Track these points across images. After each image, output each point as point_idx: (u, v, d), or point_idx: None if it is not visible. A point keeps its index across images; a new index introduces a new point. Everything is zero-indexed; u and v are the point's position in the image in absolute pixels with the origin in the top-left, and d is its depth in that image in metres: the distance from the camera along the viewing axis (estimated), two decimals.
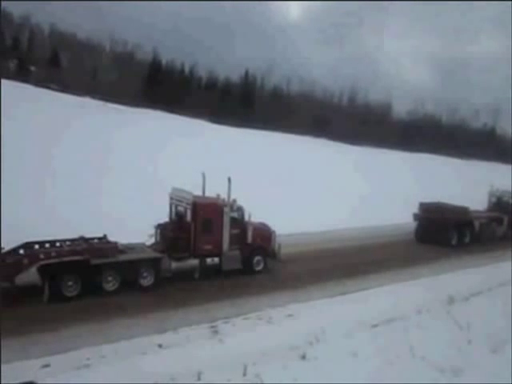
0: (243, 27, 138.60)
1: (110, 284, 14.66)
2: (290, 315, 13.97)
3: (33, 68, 77.17)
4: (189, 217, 16.59)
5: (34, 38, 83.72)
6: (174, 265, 16.11)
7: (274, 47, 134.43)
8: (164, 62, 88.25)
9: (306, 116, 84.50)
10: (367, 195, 35.16)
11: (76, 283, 14.03)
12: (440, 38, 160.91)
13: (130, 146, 37.10)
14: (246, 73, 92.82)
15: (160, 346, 11.43)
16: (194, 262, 16.54)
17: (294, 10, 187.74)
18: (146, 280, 15.36)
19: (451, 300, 15.42)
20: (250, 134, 62.43)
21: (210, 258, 16.90)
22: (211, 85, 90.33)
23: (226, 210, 16.97)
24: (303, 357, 10.80)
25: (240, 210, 17.67)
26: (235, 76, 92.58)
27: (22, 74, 69.06)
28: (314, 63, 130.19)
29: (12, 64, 74.76)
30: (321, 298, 15.59)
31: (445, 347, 11.49)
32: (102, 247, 15.02)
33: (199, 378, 9.62)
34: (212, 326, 12.85)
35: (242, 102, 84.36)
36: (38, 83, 65.17)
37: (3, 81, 57.71)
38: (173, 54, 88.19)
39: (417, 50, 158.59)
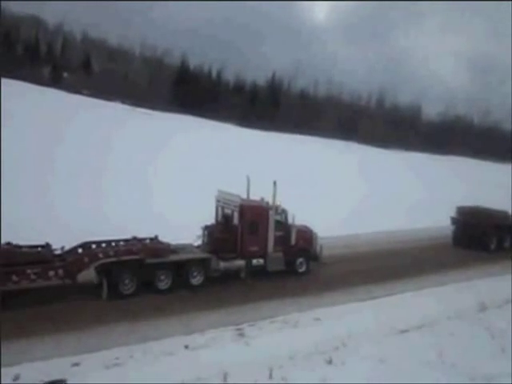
0: (270, 29, 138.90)
1: (163, 283, 15.16)
2: (316, 319, 13.86)
3: (65, 74, 79.34)
4: (236, 219, 17.01)
5: (67, 45, 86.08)
6: (222, 265, 16.49)
7: (300, 49, 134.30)
8: (192, 66, 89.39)
9: (334, 119, 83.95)
10: (396, 198, 34.71)
11: (132, 281, 14.58)
12: (473, 38, 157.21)
13: (155, 150, 37.74)
14: (273, 76, 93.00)
15: (186, 347, 11.52)
16: (241, 262, 16.93)
17: (321, 11, 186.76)
18: (196, 279, 15.84)
19: (483, 307, 14.99)
20: (276, 137, 62.52)
21: (255, 259, 17.30)
22: (238, 88, 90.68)
23: (271, 212, 17.38)
24: (329, 361, 10.70)
25: (284, 212, 18.08)
26: (262, 79, 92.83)
27: (55, 81, 71.15)
28: (342, 65, 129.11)
29: (46, 70, 77.06)
30: (353, 302, 15.40)
31: (476, 355, 11.18)
32: (156, 247, 15.52)
33: (225, 379, 9.66)
34: (238, 329, 12.87)
35: (269, 105, 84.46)
36: (71, 89, 67.07)
37: (41, 87, 59.78)
38: (201, 58, 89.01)
39: (449, 50, 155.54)
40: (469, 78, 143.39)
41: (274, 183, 17.18)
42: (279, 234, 17.71)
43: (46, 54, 79.90)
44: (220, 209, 17.82)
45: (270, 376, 9.86)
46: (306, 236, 18.67)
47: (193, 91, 77.58)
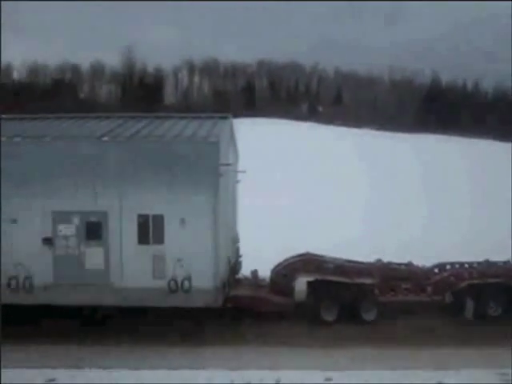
0: None
1: None
2: None
3: (320, 108, 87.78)
4: None
5: (321, 82, 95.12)
6: None
7: None
8: (444, 82, 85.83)
9: None
10: None
11: (497, 304, 14.26)
12: None
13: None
14: None
15: None
16: None
17: None
18: None
19: None
20: None
21: None
22: (498, 99, 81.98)
23: None
24: None
25: None
26: None
27: (311, 115, 79.61)
28: None
29: (304, 107, 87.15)
30: None
31: None
32: None
33: None
34: None
35: None
36: (324, 120, 73.73)
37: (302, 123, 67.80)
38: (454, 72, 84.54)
39: None
40: None
41: None
42: None
43: (304, 93, 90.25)
44: None
45: None
46: None
47: (441, 108, 74.44)
